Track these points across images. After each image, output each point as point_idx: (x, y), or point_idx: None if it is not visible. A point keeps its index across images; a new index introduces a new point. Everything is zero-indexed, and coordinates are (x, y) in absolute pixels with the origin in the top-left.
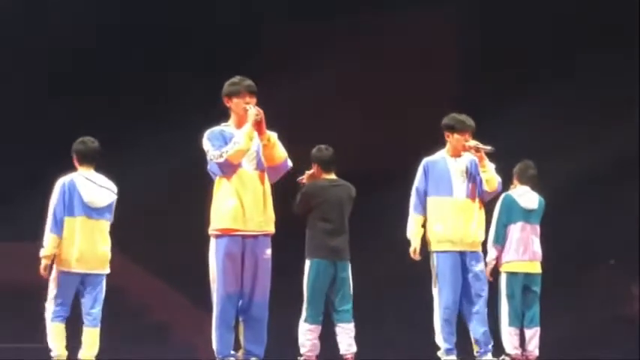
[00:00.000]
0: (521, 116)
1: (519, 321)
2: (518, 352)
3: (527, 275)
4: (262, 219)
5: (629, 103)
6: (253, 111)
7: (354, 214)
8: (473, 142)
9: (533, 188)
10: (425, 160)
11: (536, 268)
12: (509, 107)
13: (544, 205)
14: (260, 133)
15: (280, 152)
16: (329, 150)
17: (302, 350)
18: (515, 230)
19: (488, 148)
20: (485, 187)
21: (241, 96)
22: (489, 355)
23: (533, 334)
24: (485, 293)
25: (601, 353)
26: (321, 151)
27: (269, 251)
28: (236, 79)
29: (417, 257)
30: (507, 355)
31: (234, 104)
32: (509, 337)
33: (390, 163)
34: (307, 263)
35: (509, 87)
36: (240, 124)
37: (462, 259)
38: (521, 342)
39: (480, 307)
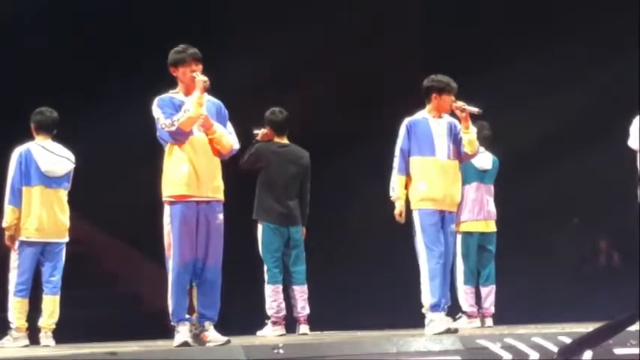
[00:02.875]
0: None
1: (475, 279)
2: (475, 309)
3: (483, 234)
4: (215, 185)
5: (593, 64)
6: (202, 78)
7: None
8: (460, 103)
9: (488, 148)
10: (407, 120)
11: (491, 227)
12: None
13: (498, 164)
14: (207, 128)
15: (225, 144)
16: (283, 113)
17: (269, 312)
18: (470, 190)
19: (476, 110)
20: (466, 149)
21: (187, 64)
22: (443, 314)
23: (489, 292)
24: (452, 254)
25: (561, 309)
26: (275, 114)
27: (221, 216)
28: (181, 47)
29: (402, 220)
30: (464, 312)
31: (181, 73)
32: (464, 295)
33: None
34: (259, 227)
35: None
36: (188, 92)
37: (442, 218)
38: (477, 300)
39: (448, 266)
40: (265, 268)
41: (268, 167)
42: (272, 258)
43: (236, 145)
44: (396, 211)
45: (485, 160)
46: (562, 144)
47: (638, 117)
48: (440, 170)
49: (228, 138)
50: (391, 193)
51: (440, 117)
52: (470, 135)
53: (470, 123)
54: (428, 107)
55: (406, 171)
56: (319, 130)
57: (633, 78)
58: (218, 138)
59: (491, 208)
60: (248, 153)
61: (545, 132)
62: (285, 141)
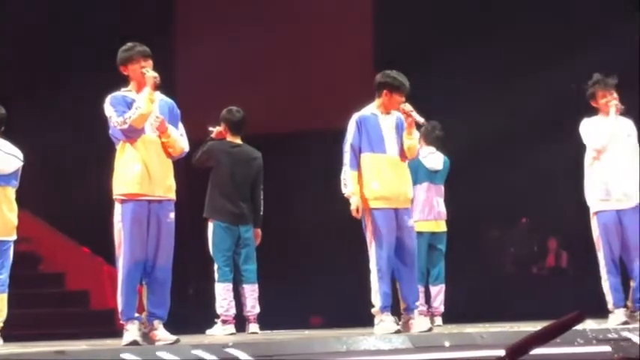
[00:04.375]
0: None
1: (424, 279)
2: (424, 308)
3: (433, 234)
4: (167, 184)
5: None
6: (152, 74)
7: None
8: (408, 107)
9: (439, 149)
10: (357, 116)
11: (441, 227)
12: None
13: (449, 165)
14: (162, 132)
15: (177, 148)
16: (240, 113)
17: (219, 311)
18: (421, 191)
19: (421, 120)
20: (407, 154)
21: (136, 61)
22: (416, 313)
23: (438, 291)
24: (416, 250)
25: (512, 307)
26: (232, 113)
27: (172, 215)
28: (128, 45)
29: (359, 215)
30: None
31: (131, 70)
32: None
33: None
34: (210, 225)
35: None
36: (139, 89)
37: (396, 216)
38: (427, 299)
39: (412, 263)
40: (216, 266)
41: (220, 166)
42: (223, 257)
43: (187, 148)
44: (352, 207)
45: (436, 160)
46: (511, 144)
47: (586, 118)
48: (391, 167)
49: (181, 142)
50: (344, 190)
51: (388, 113)
52: (412, 141)
53: (414, 129)
54: (377, 102)
55: (358, 167)
56: (269, 128)
57: (582, 78)
58: (172, 142)
59: (442, 208)
60: (201, 150)
61: (495, 132)
62: (238, 141)
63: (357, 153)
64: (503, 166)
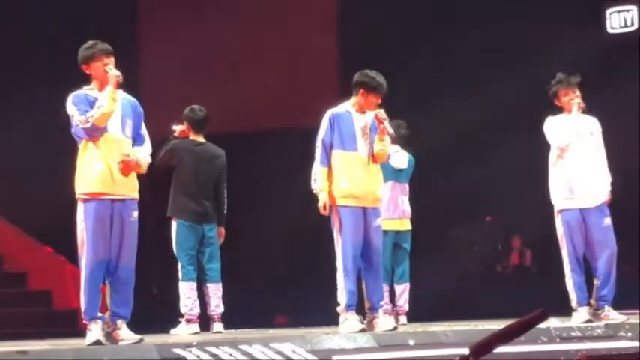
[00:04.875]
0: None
1: (389, 277)
2: (389, 307)
3: (398, 233)
4: (130, 183)
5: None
6: (114, 72)
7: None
8: (383, 115)
9: (404, 147)
10: (330, 112)
11: (405, 225)
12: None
13: (414, 163)
14: (136, 169)
15: (145, 166)
16: (202, 111)
17: (183, 310)
18: (386, 189)
19: (391, 132)
20: (377, 158)
21: (98, 59)
22: (381, 312)
23: (403, 290)
24: (381, 249)
25: (477, 306)
26: (194, 112)
27: (136, 214)
28: (89, 43)
29: (327, 212)
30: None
31: (93, 69)
32: None
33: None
34: (173, 224)
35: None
36: (102, 87)
37: (364, 215)
38: (392, 297)
39: (377, 262)
40: (179, 265)
41: (183, 165)
42: (186, 256)
43: (150, 156)
44: (320, 204)
45: (401, 159)
46: (475, 143)
47: (550, 117)
48: (362, 166)
49: (147, 159)
50: (313, 186)
51: (363, 112)
52: (382, 147)
53: (386, 136)
54: (352, 100)
55: (328, 163)
56: (232, 127)
57: (546, 79)
58: (143, 170)
59: (406, 207)
60: (164, 150)
61: (459, 132)
62: (201, 139)
63: (328, 149)
64: (467, 165)
